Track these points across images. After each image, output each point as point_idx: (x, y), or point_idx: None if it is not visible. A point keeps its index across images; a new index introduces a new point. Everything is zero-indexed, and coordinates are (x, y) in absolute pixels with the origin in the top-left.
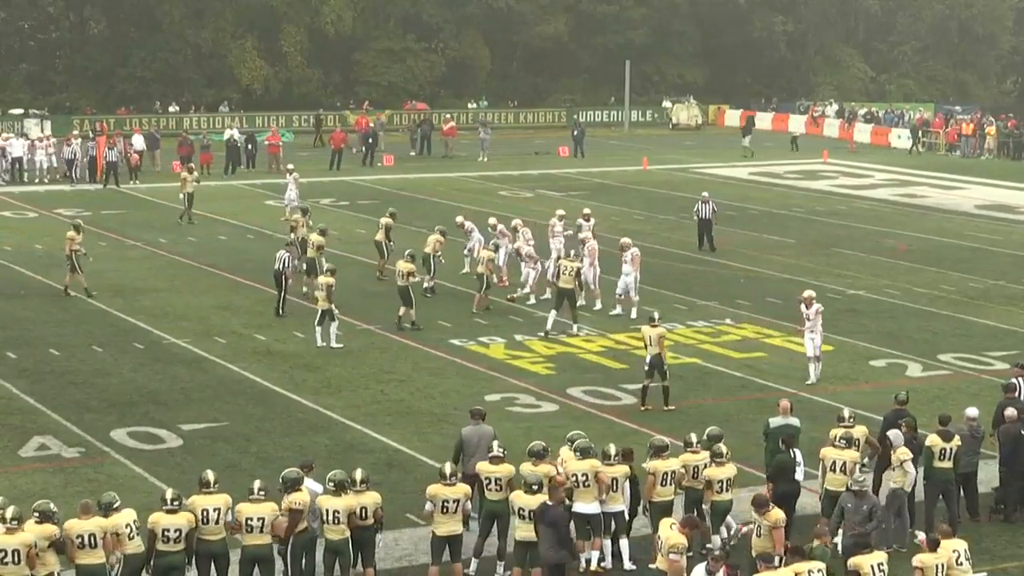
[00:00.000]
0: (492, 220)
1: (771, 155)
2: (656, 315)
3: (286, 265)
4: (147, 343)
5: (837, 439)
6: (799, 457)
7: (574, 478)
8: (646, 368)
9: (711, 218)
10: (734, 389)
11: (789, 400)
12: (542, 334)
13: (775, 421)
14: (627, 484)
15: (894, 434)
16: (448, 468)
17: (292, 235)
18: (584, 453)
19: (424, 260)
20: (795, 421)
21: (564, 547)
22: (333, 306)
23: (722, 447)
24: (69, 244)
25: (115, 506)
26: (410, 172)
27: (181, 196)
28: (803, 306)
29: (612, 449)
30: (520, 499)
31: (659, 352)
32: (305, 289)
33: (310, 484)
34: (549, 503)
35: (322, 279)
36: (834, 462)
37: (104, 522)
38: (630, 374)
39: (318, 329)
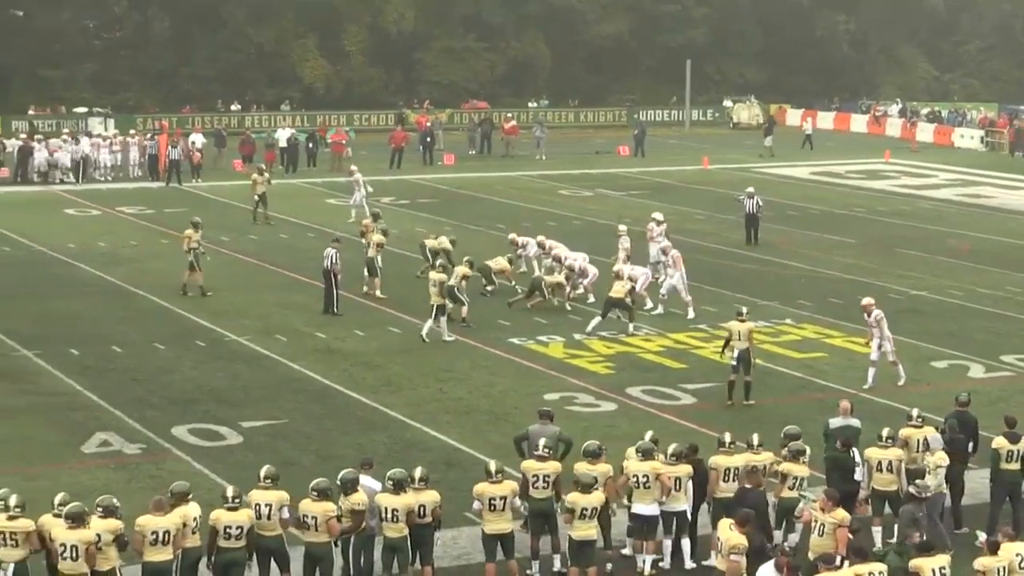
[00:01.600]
0: (540, 238)
1: (832, 155)
2: (745, 310)
3: (334, 262)
4: (208, 341)
5: (881, 438)
6: (858, 457)
7: (635, 479)
8: (732, 363)
9: (758, 213)
10: (794, 389)
11: (849, 401)
12: (587, 333)
13: (835, 422)
14: (689, 483)
15: (932, 438)
16: (493, 465)
17: (363, 240)
18: (646, 454)
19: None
20: (855, 422)
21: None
22: (448, 301)
23: (802, 444)
24: (187, 242)
25: (188, 497)
26: (470, 171)
27: (255, 198)
28: (864, 315)
29: (674, 448)
30: (579, 500)
31: (748, 347)
32: (366, 288)
33: (368, 481)
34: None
35: (432, 275)
36: (879, 462)
37: (177, 519)
38: (689, 374)
39: (438, 322)
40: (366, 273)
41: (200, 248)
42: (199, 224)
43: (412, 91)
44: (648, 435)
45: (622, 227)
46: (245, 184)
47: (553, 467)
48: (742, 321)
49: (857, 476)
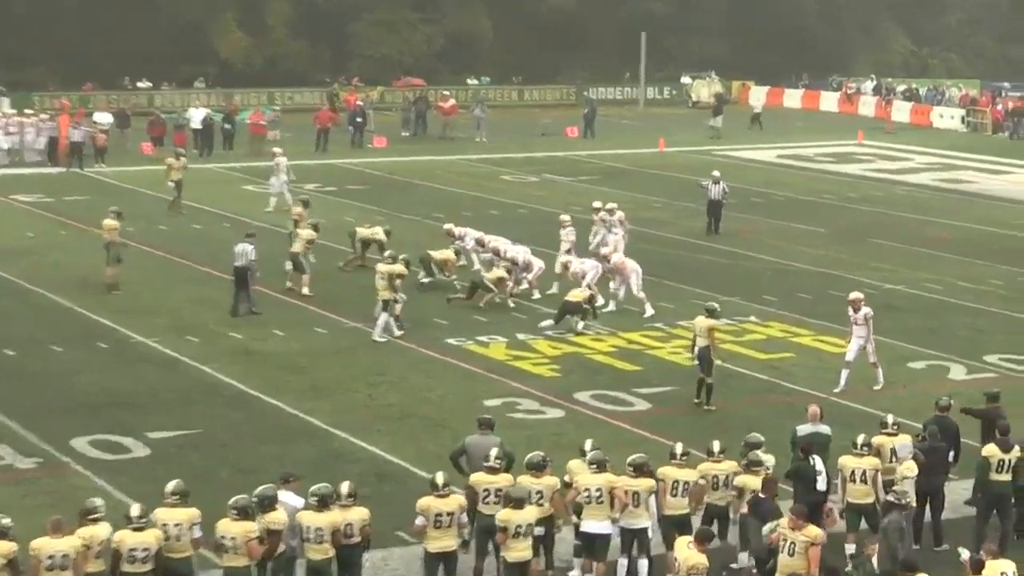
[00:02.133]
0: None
1: (801, 136)
2: (716, 306)
3: (250, 259)
4: (112, 342)
5: (856, 445)
6: (820, 465)
7: (586, 492)
8: (696, 363)
9: (723, 199)
10: (759, 393)
11: (819, 406)
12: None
13: (803, 429)
14: (651, 499)
15: (900, 445)
16: (440, 477)
17: (296, 230)
18: (600, 466)
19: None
20: (826, 429)
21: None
22: (398, 295)
23: (760, 455)
24: (108, 234)
25: (97, 515)
26: (403, 155)
27: (170, 184)
28: (850, 309)
29: (633, 459)
30: (512, 516)
31: (707, 345)
32: (289, 284)
33: (288, 498)
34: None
35: (381, 267)
36: (853, 471)
37: (76, 542)
38: (644, 377)
39: (380, 318)
40: (290, 267)
41: (121, 241)
42: (120, 214)
43: (340, 67)
44: (588, 443)
45: (565, 216)
46: (153, 169)
47: (505, 480)
48: (708, 317)
49: (820, 486)
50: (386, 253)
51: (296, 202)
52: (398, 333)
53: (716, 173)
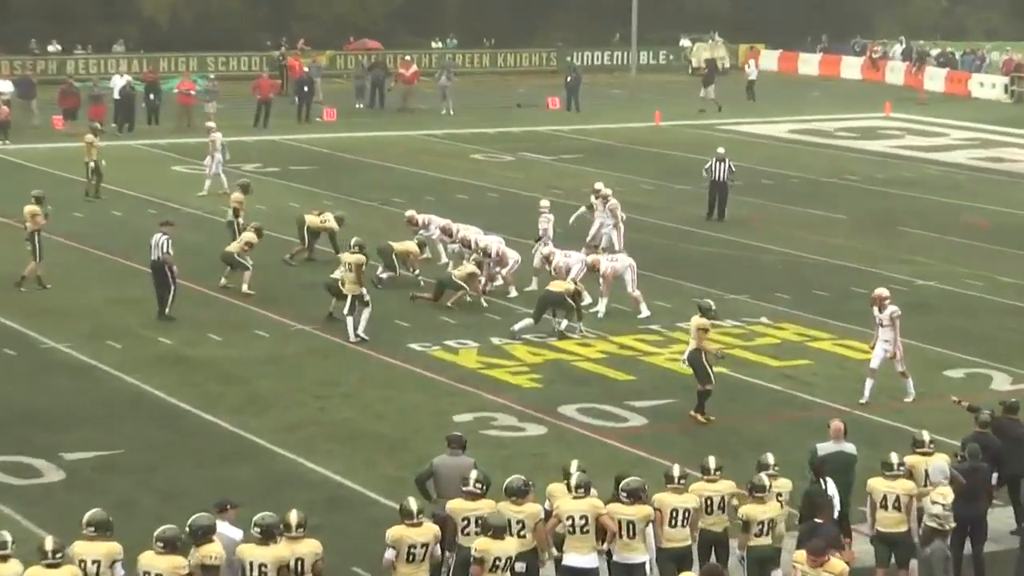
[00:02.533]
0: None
1: (818, 108)
2: (710, 303)
3: (165, 251)
4: (20, 348)
5: (888, 466)
6: (832, 488)
7: (569, 521)
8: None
9: (728, 181)
10: (772, 406)
11: (842, 421)
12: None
13: (824, 447)
14: (649, 529)
15: (934, 467)
16: (413, 504)
17: (236, 219)
18: (585, 490)
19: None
20: (850, 447)
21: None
22: (364, 290)
23: (764, 479)
24: (31, 222)
25: (4, 552)
26: (357, 129)
27: (91, 164)
28: (875, 308)
29: (629, 483)
30: (491, 547)
31: (696, 347)
32: (224, 282)
33: (225, 528)
34: (819, 521)
35: (348, 256)
36: (884, 497)
37: None
38: (638, 387)
39: (349, 320)
40: (227, 265)
41: (41, 230)
42: (42, 199)
43: (282, 27)
44: (574, 465)
45: (544, 202)
46: (65, 147)
47: (488, 506)
48: (701, 317)
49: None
50: (353, 241)
51: (234, 187)
52: (355, 339)
53: (721, 150)
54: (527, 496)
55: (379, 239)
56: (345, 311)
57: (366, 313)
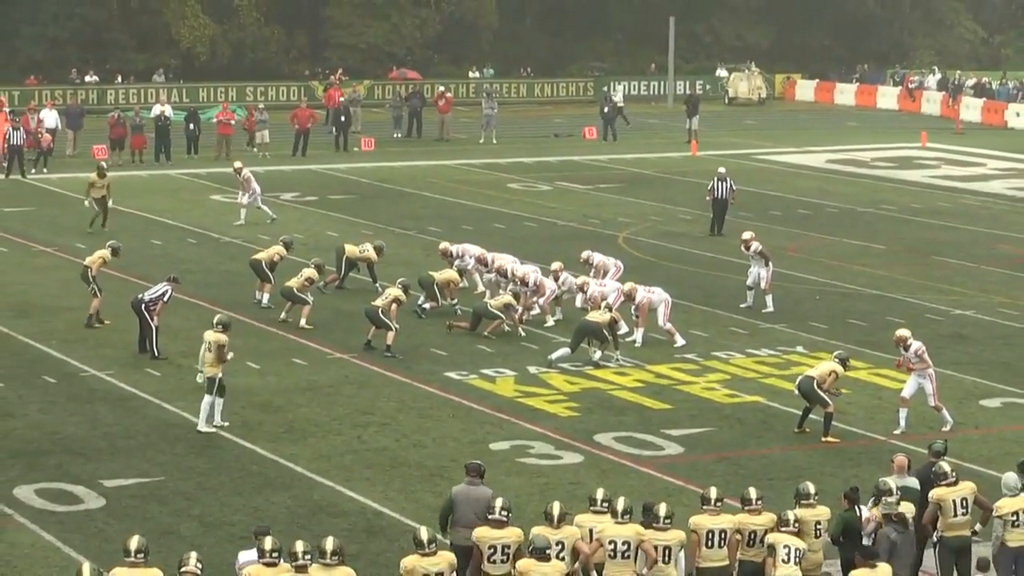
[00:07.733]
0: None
1: (855, 138)
2: (847, 357)
3: (156, 298)
4: (60, 376)
5: (943, 476)
6: (867, 513)
7: (611, 546)
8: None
9: (728, 198)
10: (808, 436)
11: (906, 456)
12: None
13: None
14: (681, 554)
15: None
16: (424, 533)
17: (270, 271)
18: (627, 516)
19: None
20: (914, 482)
21: None
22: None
23: (790, 514)
24: (97, 265)
25: None
26: (394, 159)
27: (86, 203)
28: (900, 350)
29: (663, 510)
30: (532, 569)
31: (813, 378)
32: (284, 316)
33: (243, 555)
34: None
35: (210, 335)
36: (953, 502)
37: None
38: (674, 416)
39: (206, 400)
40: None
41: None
42: (118, 250)
43: (320, 57)
44: (599, 493)
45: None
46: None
47: (514, 535)
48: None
49: (867, 540)
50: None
51: (280, 242)
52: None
53: (722, 170)
54: (564, 521)
55: (417, 268)
56: (206, 392)
57: (220, 403)
